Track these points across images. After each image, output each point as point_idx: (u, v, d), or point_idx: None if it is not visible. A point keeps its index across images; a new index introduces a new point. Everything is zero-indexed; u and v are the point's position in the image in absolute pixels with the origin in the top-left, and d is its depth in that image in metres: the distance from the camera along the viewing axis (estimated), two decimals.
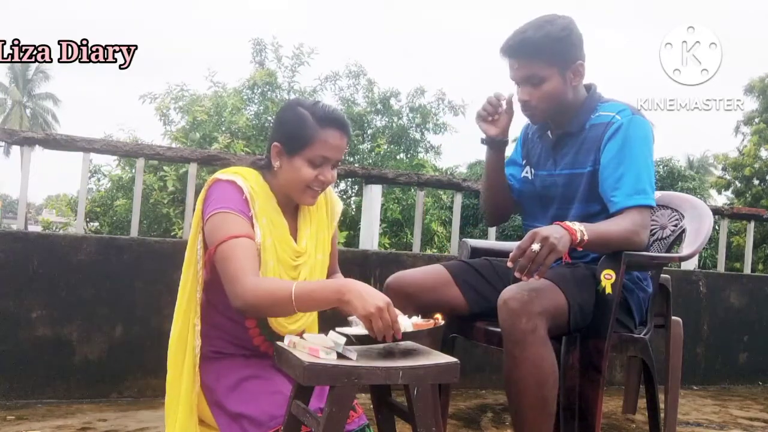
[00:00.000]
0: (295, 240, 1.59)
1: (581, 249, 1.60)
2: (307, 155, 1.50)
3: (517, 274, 1.51)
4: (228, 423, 1.50)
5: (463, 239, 2.19)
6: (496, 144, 1.88)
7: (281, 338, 1.53)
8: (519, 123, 1.93)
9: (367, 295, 1.31)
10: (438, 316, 1.43)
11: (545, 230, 1.52)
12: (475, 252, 2.06)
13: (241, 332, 1.58)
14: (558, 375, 1.57)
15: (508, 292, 1.56)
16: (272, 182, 1.58)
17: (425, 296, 1.81)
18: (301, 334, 1.49)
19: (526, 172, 1.94)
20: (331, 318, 1.82)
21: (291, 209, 1.62)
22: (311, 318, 1.64)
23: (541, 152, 1.90)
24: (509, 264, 1.54)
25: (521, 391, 1.54)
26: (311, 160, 1.51)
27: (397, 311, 1.35)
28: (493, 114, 1.85)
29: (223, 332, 1.58)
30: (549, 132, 1.88)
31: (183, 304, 1.57)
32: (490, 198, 1.98)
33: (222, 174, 1.54)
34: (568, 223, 1.58)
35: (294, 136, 1.51)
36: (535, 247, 1.49)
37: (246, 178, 1.54)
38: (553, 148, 1.85)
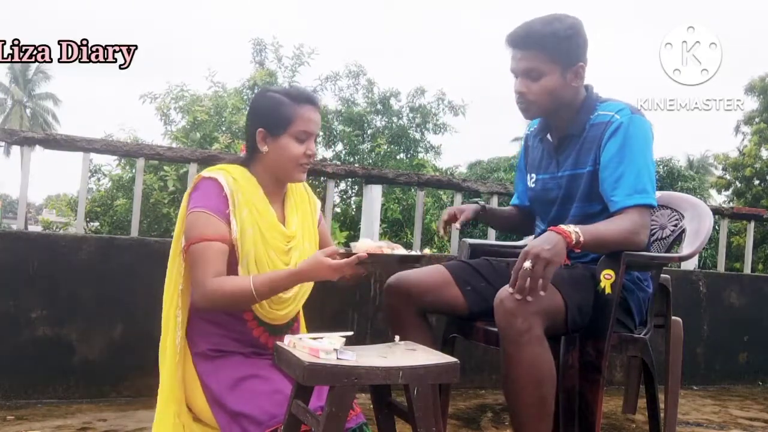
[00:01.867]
0: (284, 226, 1.66)
1: (579, 250, 1.60)
2: (292, 132, 1.60)
3: (518, 297, 1.51)
4: (228, 422, 1.52)
5: (463, 239, 2.19)
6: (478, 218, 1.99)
7: (279, 329, 1.60)
8: (521, 121, 1.95)
9: (323, 274, 1.47)
10: (427, 250, 1.58)
11: (535, 247, 1.51)
12: (475, 252, 2.07)
13: (239, 325, 1.61)
14: (555, 374, 1.57)
15: (505, 291, 1.56)
16: (258, 173, 1.65)
17: (426, 297, 1.81)
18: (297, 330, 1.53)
19: (529, 180, 1.96)
20: (331, 318, 1.82)
21: (279, 199, 1.69)
22: (299, 305, 1.71)
23: (542, 156, 1.91)
24: (510, 290, 1.53)
25: (519, 391, 1.54)
26: (296, 136, 1.60)
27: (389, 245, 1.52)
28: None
29: (222, 328, 1.61)
30: (549, 135, 1.88)
31: (168, 297, 1.63)
32: (509, 229, 2.13)
33: (206, 171, 1.62)
34: (562, 226, 1.58)
35: (275, 118, 1.60)
36: (527, 265, 1.49)
37: (230, 172, 1.60)
38: (556, 151, 1.85)
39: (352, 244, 1.54)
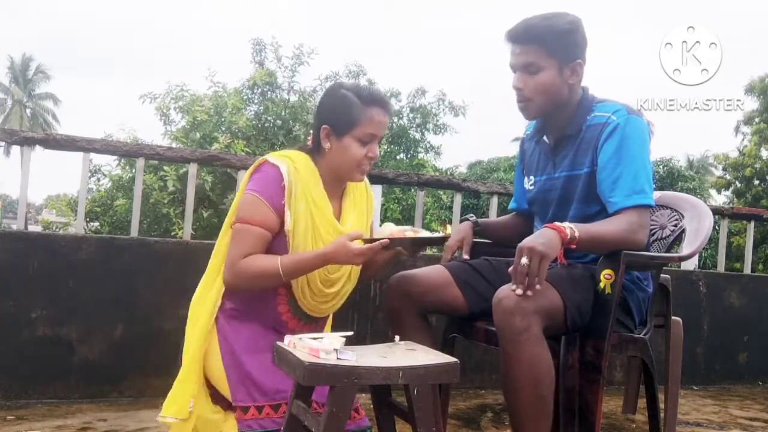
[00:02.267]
0: (339, 221, 1.67)
1: (575, 247, 1.60)
2: (356, 134, 1.60)
3: (518, 293, 1.52)
4: (236, 381, 1.56)
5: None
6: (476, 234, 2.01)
7: (314, 319, 1.65)
8: (521, 121, 1.95)
9: (346, 258, 1.52)
10: (449, 227, 1.61)
11: (529, 242, 1.52)
12: (475, 252, 2.06)
13: (273, 313, 1.64)
14: (554, 373, 1.57)
15: (503, 291, 1.56)
16: (321, 165, 1.65)
17: (427, 297, 1.81)
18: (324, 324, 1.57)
19: (526, 183, 1.96)
20: (339, 318, 1.81)
21: (337, 194, 1.71)
22: (342, 301, 1.74)
23: (539, 158, 1.91)
24: (512, 287, 1.54)
25: (518, 390, 1.54)
26: (360, 139, 1.60)
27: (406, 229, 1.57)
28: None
29: (254, 312, 1.64)
30: (545, 137, 1.89)
31: (215, 266, 1.66)
32: (508, 239, 2.05)
33: (271, 156, 1.63)
34: (557, 223, 1.58)
35: (342, 117, 1.60)
36: (524, 261, 1.50)
37: (294, 161, 1.61)
38: (552, 152, 1.86)
39: (375, 229, 1.58)
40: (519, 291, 1.51)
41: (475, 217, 2.04)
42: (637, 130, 1.72)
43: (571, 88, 1.78)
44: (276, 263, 1.53)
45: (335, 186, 1.68)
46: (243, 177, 1.70)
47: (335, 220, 1.65)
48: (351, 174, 1.65)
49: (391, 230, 1.56)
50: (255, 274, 1.54)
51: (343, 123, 1.60)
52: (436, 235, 1.58)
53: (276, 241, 1.60)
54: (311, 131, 1.72)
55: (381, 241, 1.51)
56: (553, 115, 1.81)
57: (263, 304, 1.64)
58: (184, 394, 1.59)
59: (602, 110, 1.77)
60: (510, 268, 1.54)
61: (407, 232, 1.56)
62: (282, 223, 1.59)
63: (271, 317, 1.64)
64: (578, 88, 1.80)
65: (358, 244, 1.52)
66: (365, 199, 1.78)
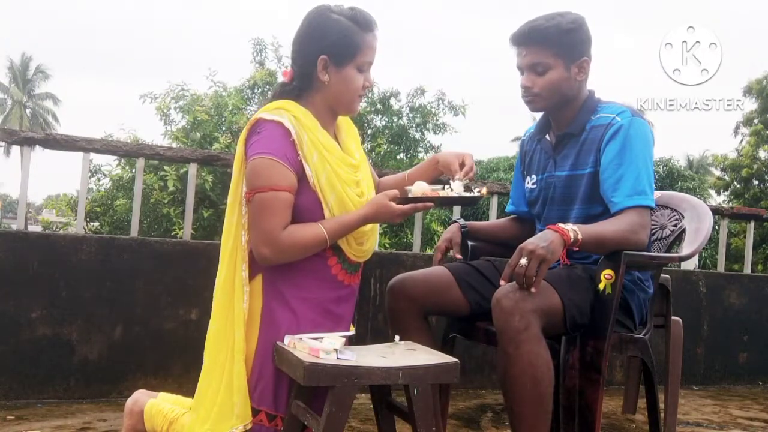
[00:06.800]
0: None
1: (577, 249, 1.60)
2: (357, 63, 1.52)
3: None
4: (280, 307, 1.50)
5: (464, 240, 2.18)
6: (468, 237, 2.01)
7: (357, 266, 1.60)
8: (521, 121, 1.97)
9: (388, 218, 1.51)
10: (484, 190, 1.61)
11: (531, 243, 1.53)
12: (475, 253, 2.06)
13: (320, 264, 1.55)
14: (553, 372, 1.57)
15: (501, 291, 1.56)
16: (314, 104, 1.55)
17: (429, 298, 1.82)
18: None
19: (528, 182, 1.96)
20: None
21: (332, 130, 1.62)
22: (376, 238, 1.69)
23: (540, 157, 1.92)
24: (502, 283, 1.56)
25: (517, 389, 1.54)
26: (359, 67, 1.53)
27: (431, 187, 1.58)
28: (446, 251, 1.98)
29: (301, 270, 1.53)
30: (548, 135, 1.89)
31: (227, 253, 1.53)
32: (500, 242, 2.06)
33: (266, 113, 1.50)
34: (560, 225, 1.59)
35: (343, 46, 1.50)
36: (523, 261, 1.50)
37: (290, 111, 1.50)
38: (554, 150, 1.86)
39: (407, 188, 1.58)
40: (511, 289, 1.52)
41: (463, 221, 2.04)
42: (641, 132, 1.73)
43: (579, 85, 1.80)
44: (321, 231, 1.46)
45: (329, 122, 1.58)
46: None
47: (348, 157, 1.58)
48: (350, 106, 1.56)
49: (423, 189, 1.56)
50: (303, 246, 1.46)
51: (345, 52, 1.49)
52: (472, 194, 1.59)
53: (302, 198, 1.49)
54: (291, 66, 1.58)
55: (426, 203, 1.52)
56: (559, 111, 1.82)
57: (316, 268, 1.54)
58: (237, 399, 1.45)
59: (606, 111, 1.78)
60: (505, 270, 1.55)
61: (440, 192, 1.58)
62: (299, 180, 1.49)
63: (325, 278, 1.54)
64: (585, 84, 1.82)
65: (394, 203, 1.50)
66: (353, 128, 1.69)
